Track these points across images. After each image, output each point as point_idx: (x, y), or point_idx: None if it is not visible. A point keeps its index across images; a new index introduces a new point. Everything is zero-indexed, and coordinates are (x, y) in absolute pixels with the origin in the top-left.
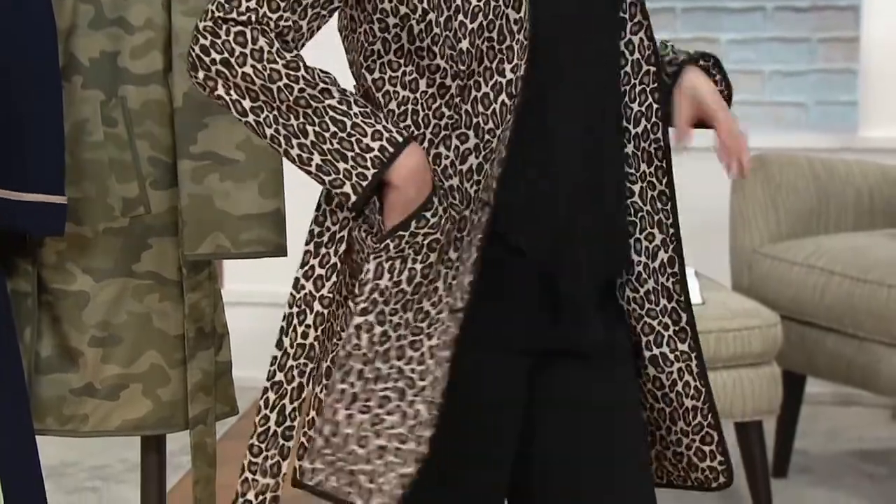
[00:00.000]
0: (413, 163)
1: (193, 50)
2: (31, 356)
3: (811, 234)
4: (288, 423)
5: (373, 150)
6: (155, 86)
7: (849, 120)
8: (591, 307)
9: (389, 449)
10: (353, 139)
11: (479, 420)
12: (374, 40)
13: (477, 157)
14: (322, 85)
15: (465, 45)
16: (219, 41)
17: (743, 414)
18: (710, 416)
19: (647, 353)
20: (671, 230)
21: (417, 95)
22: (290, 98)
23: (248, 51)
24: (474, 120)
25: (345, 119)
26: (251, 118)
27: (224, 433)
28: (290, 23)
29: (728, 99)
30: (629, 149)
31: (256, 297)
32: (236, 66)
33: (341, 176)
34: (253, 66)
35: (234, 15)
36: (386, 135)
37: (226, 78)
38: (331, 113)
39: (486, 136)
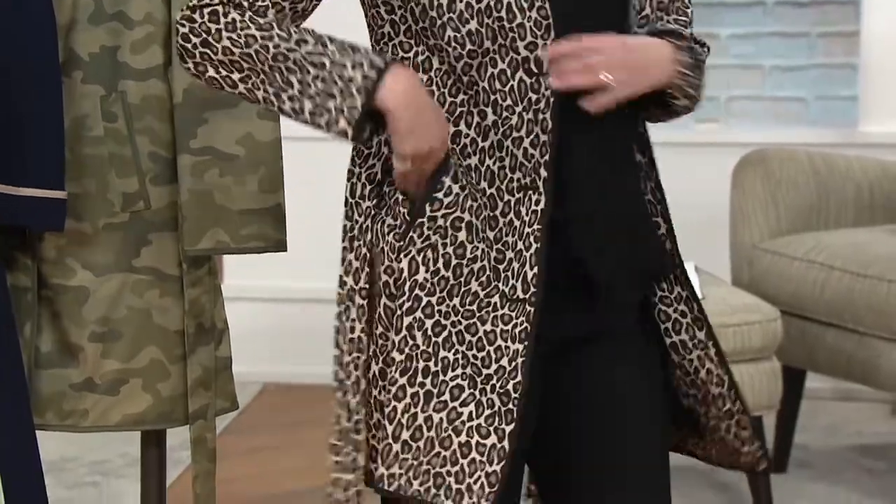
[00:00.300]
0: (401, 85)
1: (178, 41)
2: (31, 351)
3: (811, 229)
4: (356, 417)
5: (356, 79)
6: (155, 81)
7: (849, 115)
8: (613, 298)
9: (472, 445)
10: (334, 75)
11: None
12: (383, 23)
13: (496, 134)
14: (296, 37)
15: (473, 25)
16: (196, 25)
17: None
18: (737, 401)
19: (667, 340)
20: (668, 223)
21: (431, 74)
22: (269, 56)
23: (221, 25)
24: (492, 97)
25: (323, 59)
26: (242, 87)
27: (224, 428)
28: (267, 2)
29: (695, 90)
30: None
31: (256, 292)
32: (215, 43)
33: (333, 114)
34: (229, 38)
35: (206, 0)
36: (366, 62)
37: (209, 58)
38: (309, 58)
39: (505, 113)
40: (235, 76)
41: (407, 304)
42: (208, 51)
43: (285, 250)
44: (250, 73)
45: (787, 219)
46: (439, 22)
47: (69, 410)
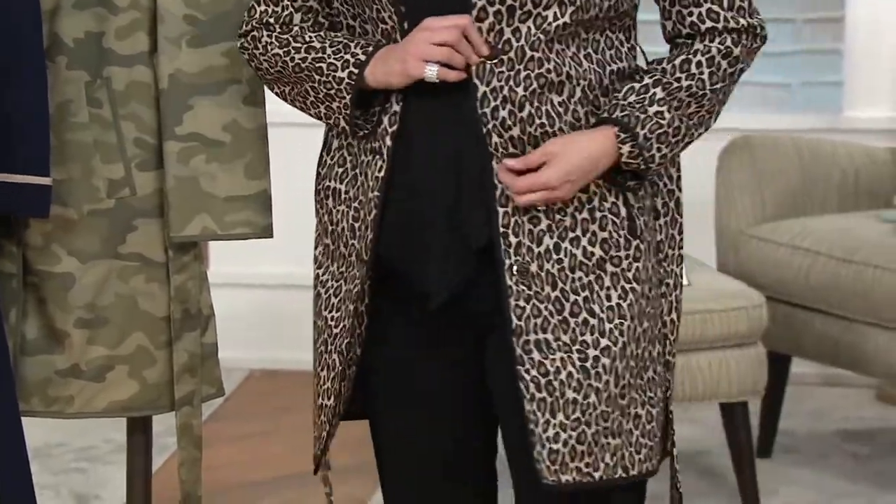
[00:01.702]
0: (376, 63)
1: None
2: (17, 337)
3: (796, 215)
4: None
5: (344, 79)
6: (140, 67)
7: (834, 101)
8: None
9: (323, 407)
10: (330, 77)
11: None
12: None
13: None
14: (306, 45)
15: None
16: (248, 52)
17: (728, 395)
18: (589, 412)
19: (531, 337)
20: (559, 217)
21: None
22: (291, 69)
23: (260, 49)
24: None
25: (321, 64)
26: (289, 99)
27: (210, 415)
28: (289, 11)
29: (641, 170)
30: (515, 131)
31: (243, 278)
32: (261, 66)
33: (336, 114)
34: (266, 60)
35: (245, 28)
36: (352, 59)
37: (265, 78)
38: (314, 65)
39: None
40: (286, 90)
41: (312, 278)
42: (262, 73)
43: (271, 237)
44: (291, 86)
45: (772, 204)
46: None
47: (55, 397)
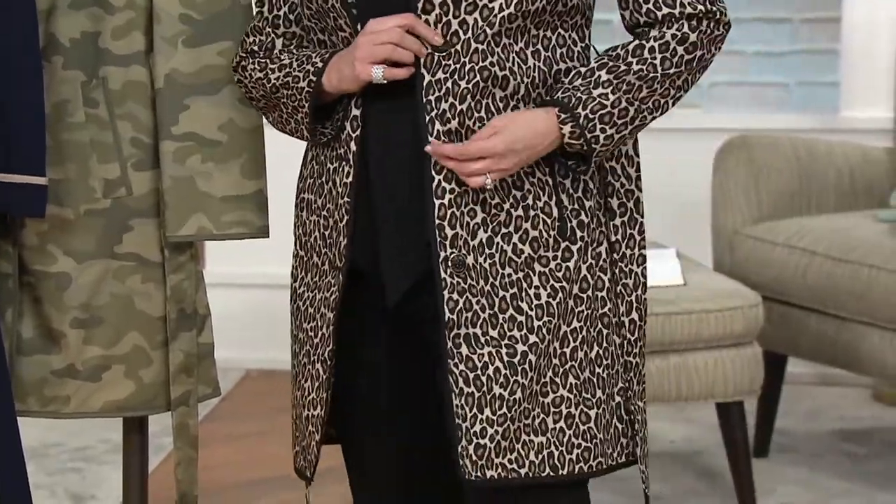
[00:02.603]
0: (331, 70)
1: None
2: (13, 337)
3: (793, 214)
4: None
5: (305, 89)
6: (136, 66)
7: (831, 101)
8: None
9: (310, 418)
10: (294, 90)
11: None
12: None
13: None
14: (280, 63)
15: (316, 4)
16: (242, 83)
17: (724, 394)
18: (514, 408)
19: (462, 331)
20: (494, 212)
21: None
22: (269, 90)
23: (247, 78)
24: None
25: (288, 79)
26: (273, 123)
27: (206, 415)
28: (271, 38)
29: (585, 150)
30: (454, 124)
31: (239, 278)
32: (252, 96)
33: (301, 125)
34: (252, 87)
35: (236, 61)
36: (312, 69)
37: (258, 106)
38: (284, 80)
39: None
40: (275, 115)
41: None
42: (255, 102)
43: (267, 236)
44: (277, 111)
45: (768, 204)
46: (298, 3)
47: (51, 397)
